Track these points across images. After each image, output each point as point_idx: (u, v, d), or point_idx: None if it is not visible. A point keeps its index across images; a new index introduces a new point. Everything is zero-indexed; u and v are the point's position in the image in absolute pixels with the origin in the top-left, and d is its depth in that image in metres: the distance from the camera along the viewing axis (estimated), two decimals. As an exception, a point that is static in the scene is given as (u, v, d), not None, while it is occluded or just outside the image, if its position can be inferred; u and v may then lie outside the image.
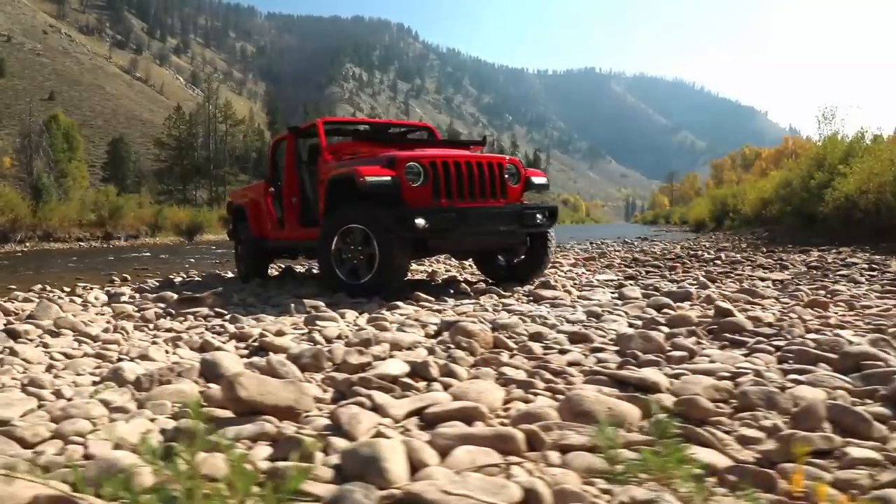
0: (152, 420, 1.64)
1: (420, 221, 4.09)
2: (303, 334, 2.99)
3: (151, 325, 3.61)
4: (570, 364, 2.23)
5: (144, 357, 2.49)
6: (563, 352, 2.44)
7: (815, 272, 6.04)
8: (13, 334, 3.16)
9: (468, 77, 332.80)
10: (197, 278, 7.59)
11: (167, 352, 2.70)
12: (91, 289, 6.60)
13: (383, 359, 2.31)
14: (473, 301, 4.11)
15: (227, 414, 1.64)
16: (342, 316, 3.43)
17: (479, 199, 4.51)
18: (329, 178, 4.63)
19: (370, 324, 3.16)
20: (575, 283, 5.07)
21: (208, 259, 14.52)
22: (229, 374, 1.64)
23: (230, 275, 8.21)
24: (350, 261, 4.48)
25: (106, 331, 3.38)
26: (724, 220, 27.25)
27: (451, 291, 4.71)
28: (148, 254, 18.31)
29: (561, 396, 1.82)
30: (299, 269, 8.33)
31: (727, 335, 2.62)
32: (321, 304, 3.87)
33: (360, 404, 1.61)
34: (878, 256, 7.62)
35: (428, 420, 1.54)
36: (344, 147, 5.33)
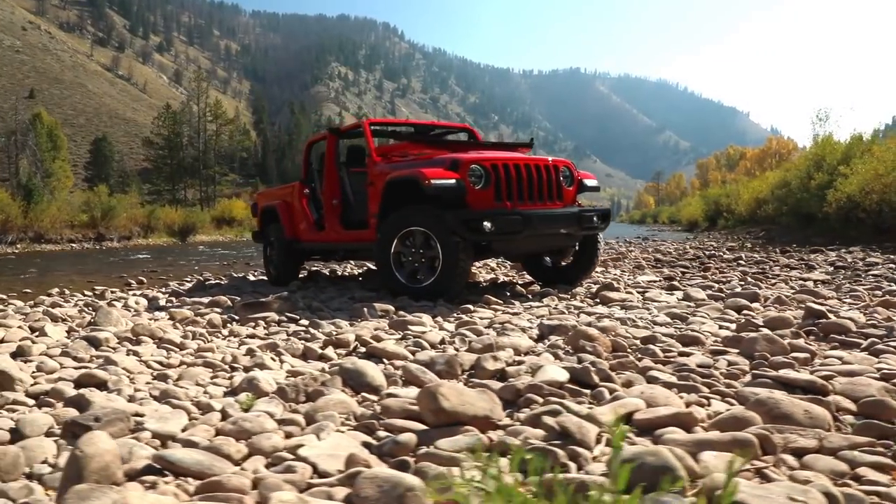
0: (338, 432, 1.62)
1: (487, 224, 4.09)
2: (398, 339, 2.96)
3: (226, 332, 3.56)
4: (701, 366, 2.24)
5: (261, 366, 2.46)
6: (683, 354, 2.46)
7: (845, 272, 6.12)
8: (94, 342, 3.11)
9: (454, 77, 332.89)
10: (217, 280, 7.52)
11: (272, 359, 2.66)
12: (114, 291, 6.51)
13: (510, 364, 2.31)
14: (541, 304, 4.11)
15: (409, 425, 1.63)
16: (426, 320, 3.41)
17: (538, 202, 4.51)
18: (387, 181, 4.60)
19: (464, 328, 3.14)
20: (626, 285, 5.09)
21: (213, 261, 14.37)
22: (430, 384, 1.62)
23: (252, 277, 8.14)
24: (410, 264, 4.46)
25: (185, 337, 3.34)
26: (717, 220, 27.54)
27: (508, 294, 4.71)
28: (147, 255, 18.07)
29: (731, 400, 1.83)
30: (325, 271, 8.28)
31: (835, 336, 2.65)
32: (391, 307, 3.85)
33: (556, 412, 1.60)
34: (893, 255, 7.76)
35: (641, 427, 1.53)
36: (393, 149, 5.30)
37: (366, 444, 1.52)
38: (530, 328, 3.06)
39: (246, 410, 1.87)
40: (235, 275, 8.74)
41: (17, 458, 1.49)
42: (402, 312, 3.64)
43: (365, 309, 3.74)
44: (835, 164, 14.65)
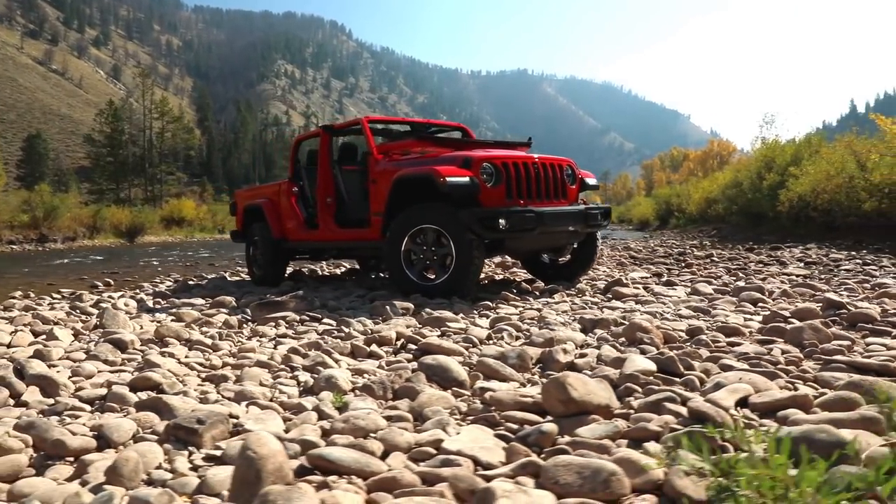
0: (459, 425, 1.61)
1: (502, 222, 4.11)
2: (438, 336, 2.95)
3: (246, 332, 3.46)
4: (759, 355, 2.33)
5: (322, 365, 2.40)
6: (732, 344, 2.54)
7: (816, 267, 6.44)
8: (120, 345, 2.98)
9: (402, 76, 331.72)
10: (195, 282, 7.28)
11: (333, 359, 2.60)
12: (92, 293, 6.23)
13: (578, 358, 2.34)
14: (557, 300, 4.17)
15: (528, 416, 1.63)
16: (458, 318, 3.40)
17: (545, 200, 4.57)
18: (396, 178, 4.56)
19: (501, 324, 3.15)
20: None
21: (173, 262, 13.90)
22: (557, 375, 1.63)
23: (230, 277, 7.92)
24: (422, 262, 4.44)
25: (212, 338, 3.23)
26: (669, 220, 28.44)
27: (515, 291, 4.75)
28: (99, 257, 17.31)
29: (813, 385, 1.91)
30: (303, 271, 8.14)
31: (863, 325, 2.80)
32: (411, 305, 3.82)
33: (672, 399, 1.64)
34: (845, 252, 8.23)
35: (760, 410, 1.59)
36: (394, 147, 5.26)
37: (500, 437, 1.52)
38: (570, 322, 3.11)
39: (340, 409, 1.84)
40: (208, 276, 8.49)
41: (137, 465, 1.42)
42: (428, 310, 3.62)
43: (387, 307, 3.70)
44: (785, 166, 15.36)
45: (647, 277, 5.66)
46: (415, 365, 2.37)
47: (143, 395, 2.13)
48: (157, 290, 6.64)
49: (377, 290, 5.11)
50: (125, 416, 1.89)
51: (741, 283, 4.41)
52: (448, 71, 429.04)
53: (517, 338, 2.86)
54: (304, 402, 1.91)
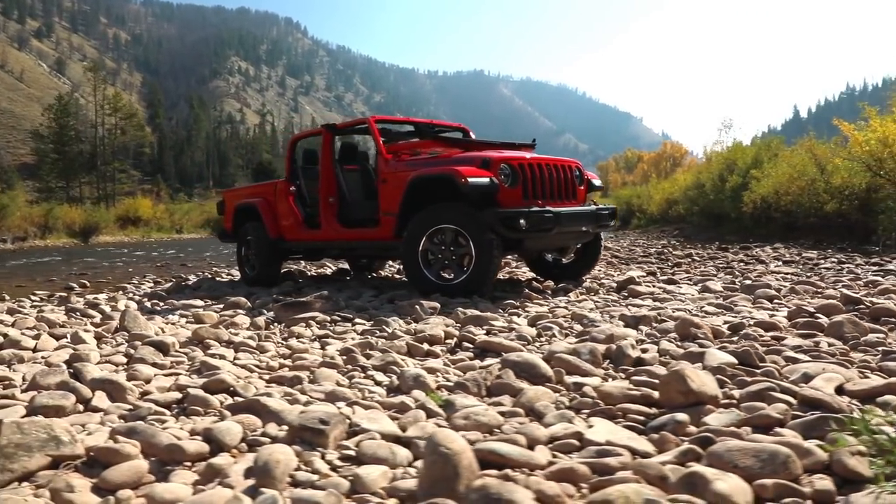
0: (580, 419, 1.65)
1: (523, 222, 4.17)
2: (487, 334, 2.98)
3: (276, 332, 3.42)
4: (808, 348, 2.44)
5: (393, 363, 2.40)
6: (776, 339, 2.66)
7: (795, 265, 6.74)
8: (162, 348, 2.90)
9: (359, 75, 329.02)
10: (177, 282, 7.11)
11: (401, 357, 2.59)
12: (78, 295, 6.02)
13: (642, 353, 2.40)
14: (578, 298, 4.25)
15: (642, 408, 1.69)
16: (496, 317, 3.43)
17: (558, 201, 4.65)
18: (412, 178, 4.57)
19: (542, 321, 3.20)
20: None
21: (139, 262, 13.48)
22: (676, 368, 1.68)
23: (220, 278, 7.76)
24: (440, 261, 4.46)
25: (251, 339, 3.18)
26: (630, 220, 29.11)
27: (526, 290, 4.82)
28: (58, 257, 16.64)
29: (880, 374, 2.03)
30: (293, 271, 8.03)
31: (888, 320, 2.96)
32: (437, 304, 3.84)
33: (772, 389, 1.72)
34: (815, 252, 8.64)
35: (858, 396, 1.68)
36: (402, 147, 5.26)
37: (628, 428, 1.56)
38: (611, 319, 3.18)
39: (442, 406, 1.85)
40: (189, 276, 8.28)
41: (286, 466, 1.42)
42: (460, 309, 3.64)
43: (416, 307, 3.71)
44: (746, 169, 15.93)
45: (643, 276, 5.82)
46: (488, 362, 2.40)
47: (222, 398, 2.09)
48: (142, 291, 6.46)
49: (385, 290, 5.10)
50: (220, 419, 1.86)
51: (748, 281, 4.58)
52: (405, 70, 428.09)
53: (566, 335, 2.91)
54: (403, 400, 1.91)
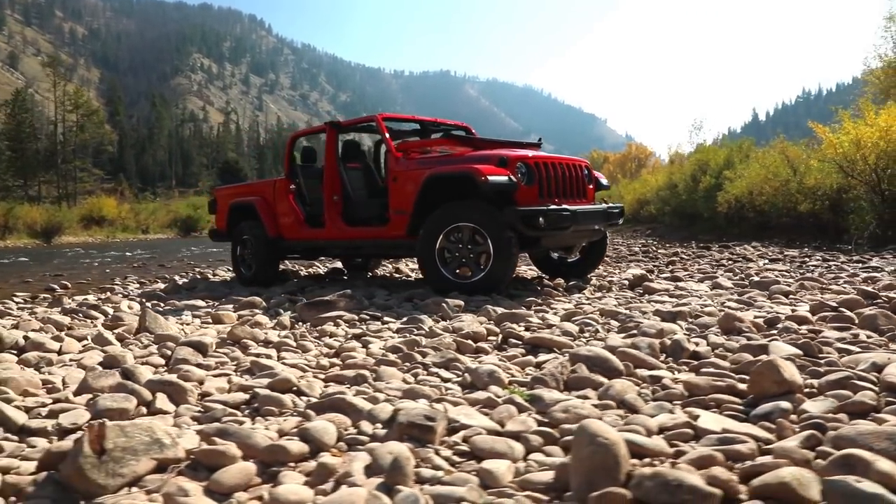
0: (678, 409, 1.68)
1: (542, 220, 4.19)
2: (525, 330, 2.98)
3: (306, 331, 3.37)
4: (848, 339, 2.52)
5: (452, 360, 2.39)
6: (812, 332, 2.73)
7: (783, 262, 6.94)
8: (200, 348, 2.83)
9: (324, 74, 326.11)
10: (164, 283, 6.95)
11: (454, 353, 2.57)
12: (71, 296, 5.82)
13: (697, 348, 2.45)
14: (593, 296, 4.30)
15: (730, 398, 1.73)
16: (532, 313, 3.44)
17: (570, 199, 4.70)
18: (428, 177, 4.55)
19: (576, 318, 3.22)
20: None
21: (113, 264, 13.10)
22: (771, 358, 1.72)
23: (214, 277, 7.60)
24: (457, 259, 4.45)
25: (289, 339, 3.12)
26: (601, 219, 29.51)
27: (539, 288, 4.85)
28: (23, 258, 16.05)
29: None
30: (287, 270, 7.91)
31: (910, 314, 3.07)
32: (461, 302, 3.83)
33: (850, 377, 1.78)
34: (797, 250, 8.93)
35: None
36: (411, 145, 5.23)
37: (729, 416, 1.60)
38: (643, 315, 3.22)
39: (528, 400, 1.85)
40: (174, 277, 8.09)
41: (412, 463, 1.40)
42: (490, 307, 3.64)
43: (443, 304, 3.70)
44: (718, 170, 16.33)
45: (639, 274, 5.91)
46: (544, 357, 2.41)
47: (290, 398, 2.05)
48: (131, 292, 6.29)
49: (393, 288, 5.08)
50: (303, 419, 1.82)
51: (755, 278, 4.69)
52: (371, 70, 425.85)
53: (609, 330, 2.95)
54: (490, 396, 1.90)
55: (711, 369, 2.09)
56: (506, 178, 4.23)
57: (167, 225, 36.48)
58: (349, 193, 5.67)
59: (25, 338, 3.11)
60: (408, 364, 2.42)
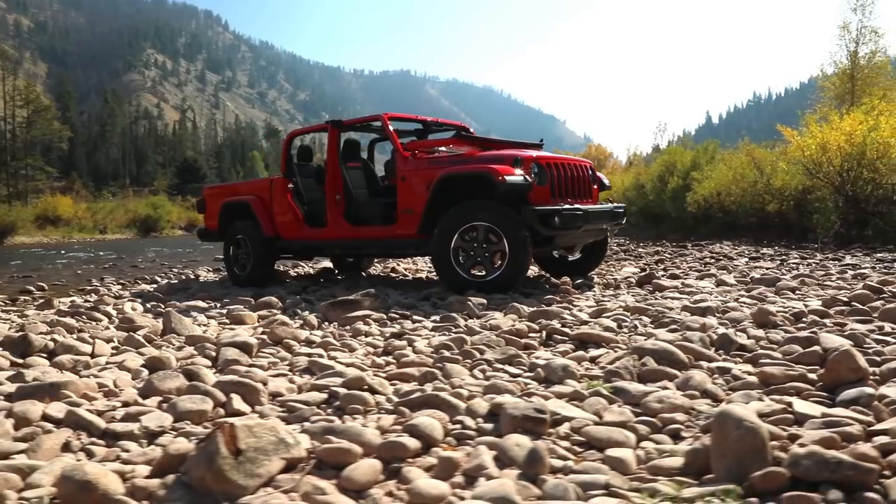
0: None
1: (557, 220, 4.27)
2: (562, 326, 3.04)
3: (350, 332, 3.35)
4: (876, 331, 2.66)
5: (514, 356, 2.43)
6: (837, 324, 2.88)
7: (765, 260, 7.21)
8: (246, 349, 2.80)
9: (283, 72, 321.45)
10: (153, 282, 6.80)
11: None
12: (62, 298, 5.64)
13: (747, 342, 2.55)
14: (614, 293, 4.40)
15: (806, 386, 1.82)
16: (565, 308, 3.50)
17: (578, 199, 4.79)
18: (442, 176, 4.57)
19: (606, 315, 3.30)
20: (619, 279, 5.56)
21: (81, 264, 12.67)
22: (846, 348, 1.83)
23: (201, 278, 7.44)
24: (472, 258, 4.49)
25: (326, 338, 3.11)
26: (568, 219, 29.96)
27: (547, 286, 4.93)
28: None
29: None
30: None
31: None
32: (484, 300, 3.88)
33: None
34: (772, 249, 9.29)
35: None
36: (418, 145, 5.24)
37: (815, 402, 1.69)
38: (673, 310, 3.32)
39: (613, 392, 1.91)
40: (162, 278, 7.90)
41: (547, 455, 1.44)
42: (516, 305, 3.69)
43: (469, 303, 3.74)
44: (685, 171, 16.79)
45: (636, 272, 6.07)
46: (595, 352, 2.48)
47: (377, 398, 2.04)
48: (117, 293, 6.14)
49: (402, 288, 5.09)
50: (398, 416, 1.83)
51: (756, 275, 4.88)
52: (330, 68, 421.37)
53: (644, 325, 3.03)
54: (576, 389, 1.95)
55: (769, 360, 2.19)
56: (521, 177, 4.29)
57: (125, 225, 35.40)
58: (351, 193, 5.65)
59: (54, 340, 3.02)
60: (468, 361, 2.44)
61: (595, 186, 5.17)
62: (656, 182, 18.64)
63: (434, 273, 6.73)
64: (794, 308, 3.33)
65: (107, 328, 3.85)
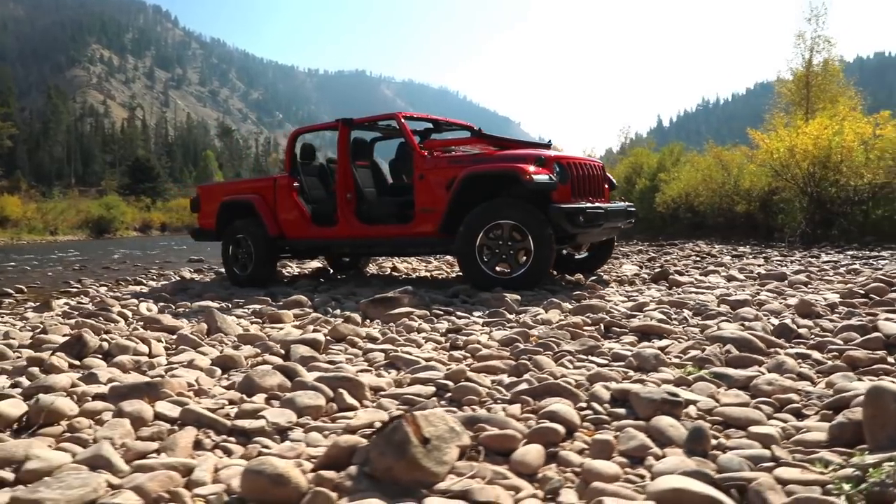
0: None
1: (581, 218, 4.39)
2: (614, 319, 3.15)
3: (398, 330, 3.38)
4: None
5: (594, 348, 2.52)
6: (870, 314, 3.07)
7: (747, 257, 7.53)
8: (315, 346, 2.81)
9: (235, 70, 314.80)
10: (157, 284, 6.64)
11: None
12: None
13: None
14: (636, 289, 4.55)
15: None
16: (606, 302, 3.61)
17: (593, 199, 4.93)
18: (466, 175, 4.63)
19: (648, 309, 3.42)
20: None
21: (46, 266, 12.18)
22: None
23: (189, 277, 7.28)
24: (497, 256, 4.57)
25: (383, 334, 3.13)
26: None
27: (563, 284, 5.05)
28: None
29: None
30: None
31: (931, 299, 3.51)
32: (518, 297, 3.96)
33: None
34: (748, 248, 9.69)
35: None
36: (433, 144, 5.28)
37: None
38: (710, 302, 3.48)
39: (715, 377, 2.02)
40: (146, 278, 7.69)
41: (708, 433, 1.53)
42: (554, 300, 3.78)
43: (507, 298, 3.82)
44: (652, 173, 17.29)
45: (637, 268, 6.27)
46: (661, 343, 2.59)
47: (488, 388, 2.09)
48: (108, 294, 5.99)
49: (417, 285, 5.11)
50: (523, 405, 1.89)
51: (761, 270, 5.11)
52: (284, 67, 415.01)
53: (691, 317, 3.17)
54: (681, 375, 2.05)
55: (835, 346, 2.34)
56: (547, 176, 4.40)
57: (78, 226, 34.06)
58: (362, 191, 5.65)
59: (107, 341, 2.95)
60: (549, 353, 2.52)
61: (606, 186, 5.32)
62: (623, 183, 19.10)
63: (435, 273, 6.79)
64: (817, 300, 3.52)
65: (134, 329, 3.76)
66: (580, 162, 4.85)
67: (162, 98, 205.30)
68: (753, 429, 1.58)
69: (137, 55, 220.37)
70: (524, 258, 4.49)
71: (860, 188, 10.16)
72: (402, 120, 5.39)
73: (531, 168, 4.37)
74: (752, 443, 1.51)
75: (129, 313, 4.46)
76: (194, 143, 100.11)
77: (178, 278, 7.69)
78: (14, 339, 3.46)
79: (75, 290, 6.95)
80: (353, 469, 1.43)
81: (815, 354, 2.27)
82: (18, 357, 2.96)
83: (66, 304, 5.48)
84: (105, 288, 7.10)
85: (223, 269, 8.84)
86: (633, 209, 5.33)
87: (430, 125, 6.11)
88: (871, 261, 6.16)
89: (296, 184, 5.96)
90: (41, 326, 3.85)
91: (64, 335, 3.61)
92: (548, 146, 5.64)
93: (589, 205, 4.53)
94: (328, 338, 3.02)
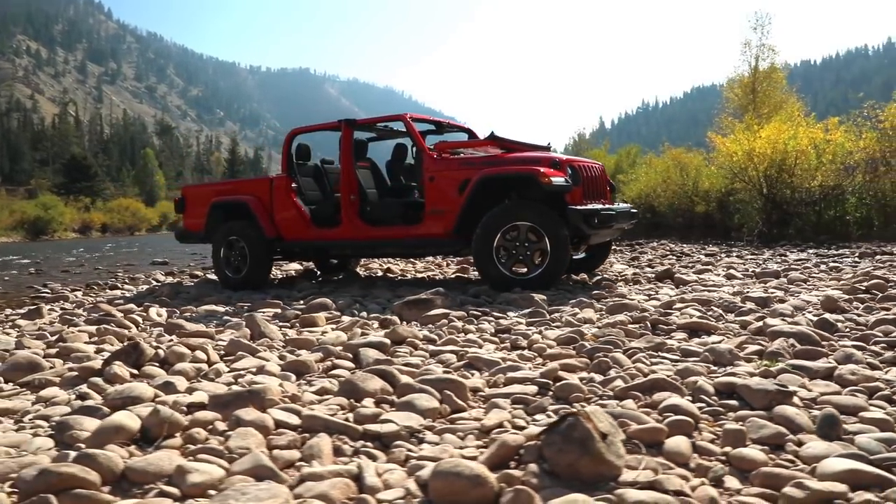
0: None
1: (597, 219, 4.55)
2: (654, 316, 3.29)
3: (441, 331, 3.42)
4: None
5: (662, 345, 2.65)
6: (885, 309, 3.33)
7: (718, 256, 7.91)
8: (383, 348, 2.84)
9: (173, 66, 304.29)
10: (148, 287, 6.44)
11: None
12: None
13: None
14: (648, 287, 4.74)
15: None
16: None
17: (598, 200, 5.09)
18: (482, 177, 4.71)
19: (677, 306, 3.59)
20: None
21: (11, 270, 11.54)
22: None
23: (187, 281, 7.07)
24: (514, 257, 4.66)
25: (439, 336, 3.18)
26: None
27: (571, 284, 5.20)
28: None
29: None
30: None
31: (925, 293, 3.81)
32: (544, 296, 4.07)
33: None
34: (717, 247, 10.15)
35: None
36: (444, 146, 5.32)
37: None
38: (735, 300, 3.68)
39: (794, 369, 2.18)
40: (128, 283, 7.43)
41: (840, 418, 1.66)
42: (585, 299, 3.90)
43: (536, 298, 3.92)
44: (609, 173, 17.79)
45: (636, 272, 6.49)
46: (717, 338, 2.75)
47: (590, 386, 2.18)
48: (99, 299, 5.79)
49: (424, 287, 5.15)
50: (635, 400, 1.99)
51: (757, 269, 5.40)
52: (225, 64, 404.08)
53: (726, 313, 3.35)
54: (762, 367, 2.19)
55: (880, 339, 2.55)
56: (563, 179, 4.53)
57: (12, 227, 32.25)
58: (365, 193, 5.65)
59: (161, 349, 2.88)
60: (618, 350, 2.63)
61: (608, 188, 5.50)
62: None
63: (435, 274, 6.84)
64: (818, 296, 3.78)
65: (159, 335, 3.67)
66: (587, 165, 5.01)
67: (95, 93, 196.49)
68: (864, 414, 1.73)
69: (68, 48, 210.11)
70: (539, 259, 4.61)
71: (812, 190, 10.77)
72: (411, 122, 5.41)
73: (549, 171, 4.49)
74: (871, 427, 1.66)
75: (140, 319, 4.34)
76: (132, 141, 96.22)
77: (156, 282, 7.47)
78: (28, 347, 3.35)
79: (48, 295, 6.66)
80: (533, 467, 1.48)
81: (872, 347, 2.46)
82: (52, 367, 2.86)
83: (51, 310, 5.27)
84: (80, 293, 6.84)
85: (197, 273, 8.67)
86: (635, 211, 5.53)
87: (432, 127, 6.17)
88: (836, 259, 6.57)
89: (294, 185, 5.90)
90: (58, 335, 3.70)
91: (86, 342, 3.52)
92: (547, 149, 5.79)
93: (602, 206, 4.68)
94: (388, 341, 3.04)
